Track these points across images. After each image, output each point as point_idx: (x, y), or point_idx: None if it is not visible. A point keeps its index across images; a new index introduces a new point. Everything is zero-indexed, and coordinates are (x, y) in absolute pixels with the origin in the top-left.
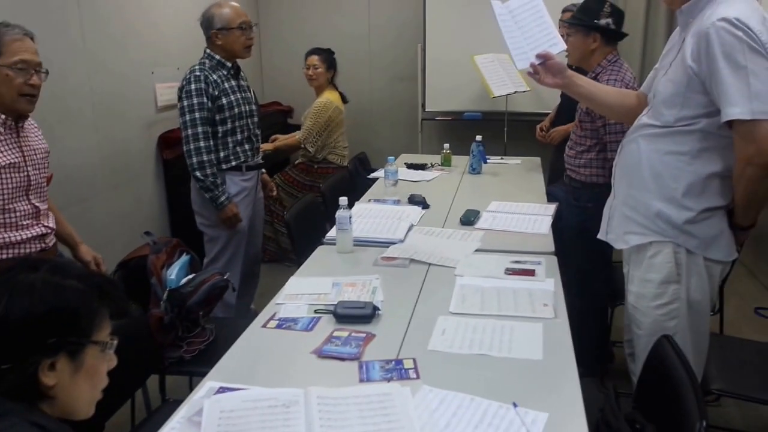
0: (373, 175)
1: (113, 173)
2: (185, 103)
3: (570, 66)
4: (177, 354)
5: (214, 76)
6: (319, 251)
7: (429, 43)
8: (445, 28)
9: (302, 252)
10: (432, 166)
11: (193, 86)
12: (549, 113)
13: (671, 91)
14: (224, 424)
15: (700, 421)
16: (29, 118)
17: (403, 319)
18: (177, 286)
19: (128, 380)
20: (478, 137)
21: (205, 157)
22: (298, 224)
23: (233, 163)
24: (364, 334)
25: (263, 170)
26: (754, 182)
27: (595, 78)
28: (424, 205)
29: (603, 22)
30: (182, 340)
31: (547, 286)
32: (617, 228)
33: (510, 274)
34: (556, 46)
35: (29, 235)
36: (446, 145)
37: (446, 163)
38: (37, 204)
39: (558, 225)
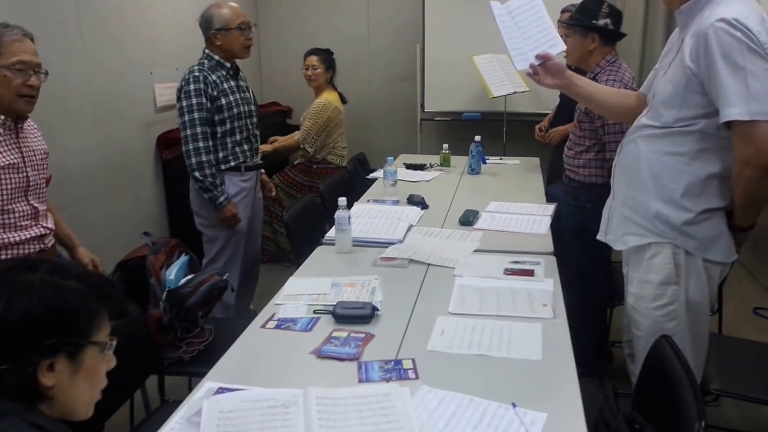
0: (372, 175)
1: (112, 173)
2: (184, 103)
3: (569, 66)
4: (176, 354)
5: (213, 77)
6: (318, 251)
7: (428, 43)
8: (444, 28)
9: (301, 252)
10: (431, 166)
11: (192, 86)
12: (548, 113)
13: (670, 91)
14: (223, 425)
15: (699, 421)
16: (29, 119)
17: (402, 319)
18: (176, 287)
19: (127, 381)
20: (477, 137)
21: (204, 158)
22: (297, 224)
23: (232, 164)
24: (363, 335)
25: (262, 171)
26: (753, 183)
27: (593, 78)
28: (423, 205)
29: (601, 22)
30: (181, 340)
31: (546, 287)
32: (616, 229)
33: (509, 274)
34: (556, 46)
35: (28, 236)
36: (445, 146)
37: (445, 163)
38: (36, 205)
39: (557, 225)
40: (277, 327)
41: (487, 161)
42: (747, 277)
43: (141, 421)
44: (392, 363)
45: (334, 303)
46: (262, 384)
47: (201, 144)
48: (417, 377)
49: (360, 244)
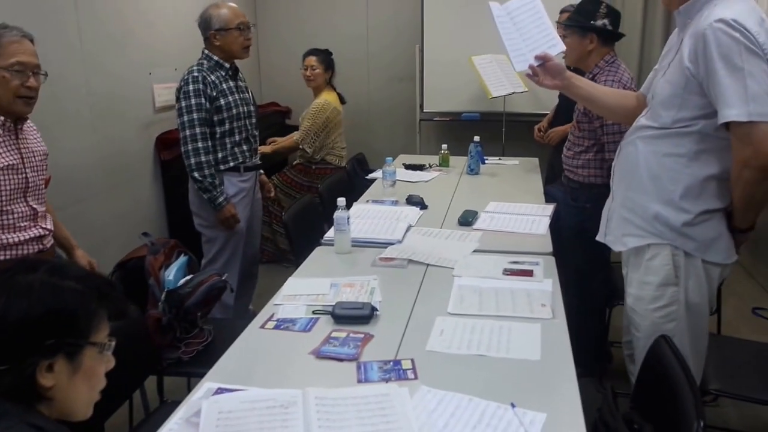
0: (371, 175)
1: (111, 174)
2: (183, 103)
3: (567, 67)
4: (175, 355)
5: (212, 77)
6: (317, 252)
7: (427, 43)
8: (443, 28)
9: (300, 253)
10: (430, 166)
11: (191, 87)
12: (547, 114)
13: (669, 92)
14: (222, 425)
15: (698, 421)
16: (28, 120)
17: (402, 319)
18: (175, 287)
19: (126, 381)
20: (476, 138)
21: (203, 158)
22: (296, 225)
23: (231, 164)
24: (363, 335)
25: (261, 171)
26: (752, 185)
27: (592, 79)
28: (422, 205)
29: (599, 23)
30: (180, 341)
31: (545, 287)
32: (615, 230)
33: (508, 274)
34: (555, 47)
35: (27, 237)
36: (444, 146)
37: (444, 163)
38: (34, 206)
39: (556, 225)
40: (276, 327)
41: (486, 161)
42: (746, 277)
43: (140, 422)
44: (391, 363)
45: (333, 303)
46: (261, 384)
47: (200, 144)
48: (416, 377)
49: (359, 244)
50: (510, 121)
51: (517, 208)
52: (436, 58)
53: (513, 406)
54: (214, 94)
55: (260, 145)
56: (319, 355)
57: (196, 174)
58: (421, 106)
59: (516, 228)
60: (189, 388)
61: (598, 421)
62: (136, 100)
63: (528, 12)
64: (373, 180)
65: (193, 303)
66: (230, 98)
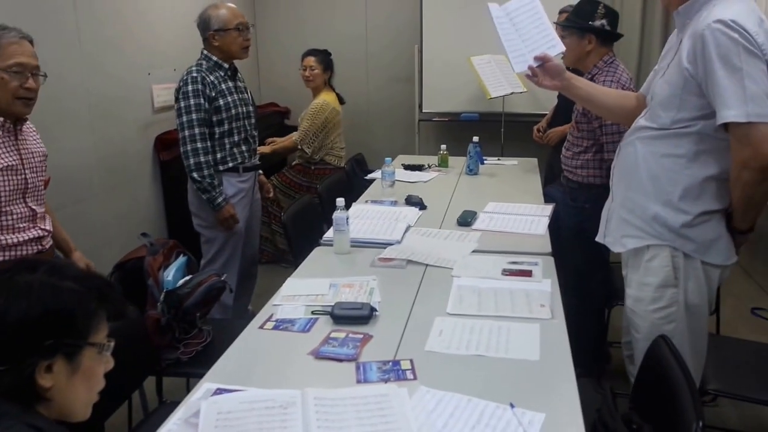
0: (370, 176)
1: (110, 174)
2: (182, 104)
3: (566, 68)
4: (174, 355)
5: (211, 78)
6: (317, 252)
7: (426, 44)
8: (442, 29)
9: (299, 253)
10: (429, 167)
11: (190, 87)
12: (546, 114)
13: (668, 93)
14: (221, 426)
15: (697, 421)
16: (28, 122)
17: (401, 320)
18: (174, 288)
19: (125, 382)
20: (475, 138)
21: (202, 159)
22: (296, 225)
23: (230, 165)
24: (362, 335)
25: (260, 171)
26: (751, 186)
27: (591, 79)
28: (421, 206)
29: (597, 23)
30: (179, 341)
31: (544, 287)
32: (615, 231)
33: (507, 274)
34: (555, 47)
35: (26, 238)
36: (443, 146)
37: (443, 164)
38: (34, 207)
39: (555, 226)
40: (276, 328)
41: (485, 162)
42: (745, 277)
43: (139, 422)
44: (390, 363)
45: (332, 304)
46: (261, 385)
47: (199, 145)
48: (415, 378)
49: (358, 244)
50: (509, 121)
51: (516, 208)
52: (435, 58)
53: (512, 406)
54: (213, 94)
55: (259, 145)
56: (318, 355)
57: (195, 174)
58: (420, 107)
59: (515, 228)
60: (188, 389)
61: (597, 422)
62: (135, 101)
63: (527, 13)
64: (372, 180)
65: (192, 303)
66: (229, 99)
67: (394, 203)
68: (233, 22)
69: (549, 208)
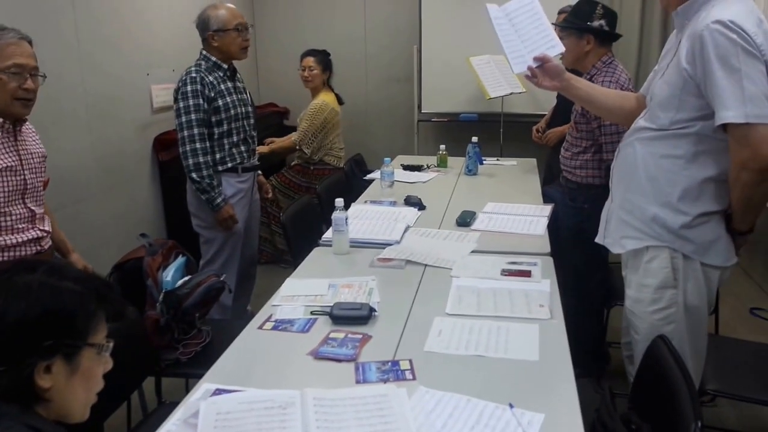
0: (369, 176)
1: (108, 175)
2: (181, 104)
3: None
4: (173, 356)
5: (210, 78)
6: (316, 252)
7: (425, 44)
8: (440, 29)
9: (298, 253)
10: (428, 167)
11: (189, 88)
12: (545, 114)
13: (667, 93)
14: (220, 426)
15: (695, 421)
16: (27, 122)
17: (400, 320)
18: (173, 288)
19: (124, 382)
20: (474, 138)
21: (201, 159)
22: (295, 226)
23: (229, 165)
24: (361, 336)
25: (259, 172)
26: (750, 187)
27: (589, 79)
28: (420, 206)
29: (596, 24)
30: (178, 342)
31: (543, 287)
32: (614, 232)
33: (506, 275)
34: (555, 48)
35: (25, 239)
36: (442, 147)
37: (442, 164)
38: (33, 208)
39: (554, 226)
40: (275, 328)
41: (484, 162)
42: (743, 277)
43: (138, 423)
44: (389, 364)
45: (332, 304)
46: (260, 385)
47: (198, 145)
48: (414, 378)
49: (357, 245)
50: (508, 121)
51: (515, 208)
52: (434, 58)
53: (511, 406)
54: (212, 95)
55: (258, 145)
56: (318, 355)
57: (194, 175)
58: (419, 107)
59: (514, 229)
60: (187, 389)
61: (596, 422)
62: (133, 101)
63: (527, 13)
64: (371, 181)
65: (191, 304)
66: (228, 99)
67: (393, 203)
68: (232, 23)
69: (548, 209)
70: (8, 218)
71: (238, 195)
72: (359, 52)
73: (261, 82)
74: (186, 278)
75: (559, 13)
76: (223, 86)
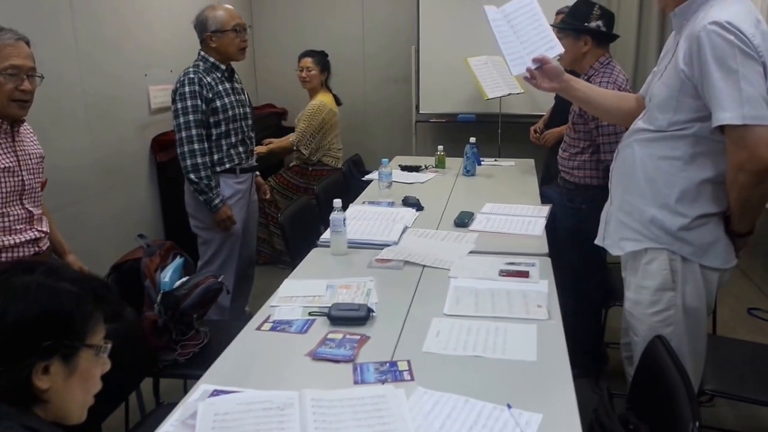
0: (367, 177)
1: (106, 175)
2: (179, 105)
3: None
4: (171, 357)
5: (209, 79)
6: (314, 253)
7: (423, 45)
8: (438, 30)
9: (297, 254)
10: (426, 168)
11: (187, 88)
12: (543, 115)
13: (665, 94)
14: (218, 427)
15: (693, 421)
16: (25, 123)
17: (398, 321)
18: (171, 289)
19: (122, 383)
20: (472, 139)
21: (199, 160)
22: (293, 226)
23: (227, 166)
24: (359, 336)
25: (257, 173)
26: (747, 189)
27: (587, 80)
28: (418, 207)
29: (593, 24)
30: (176, 343)
31: (541, 288)
32: (613, 234)
33: (504, 275)
34: (554, 49)
35: (23, 239)
36: (440, 147)
37: (440, 165)
38: (30, 209)
39: (552, 227)
40: (273, 329)
41: (482, 163)
42: (742, 277)
43: (136, 424)
44: (388, 365)
45: (330, 305)
46: (258, 386)
47: (196, 146)
48: (412, 379)
49: (355, 245)
50: (506, 122)
51: (513, 209)
52: (432, 59)
53: (509, 407)
54: (211, 95)
55: (256, 145)
56: (316, 356)
57: (192, 176)
58: (417, 108)
59: (512, 229)
60: (185, 390)
61: (594, 422)
62: (131, 102)
63: (526, 14)
64: (369, 181)
65: (189, 305)
66: (226, 100)
67: (391, 204)
68: (230, 24)
69: (546, 209)
70: (6, 219)
71: (236, 196)
72: (357, 53)
73: (259, 83)
74: (184, 279)
75: (557, 14)
76: (221, 87)
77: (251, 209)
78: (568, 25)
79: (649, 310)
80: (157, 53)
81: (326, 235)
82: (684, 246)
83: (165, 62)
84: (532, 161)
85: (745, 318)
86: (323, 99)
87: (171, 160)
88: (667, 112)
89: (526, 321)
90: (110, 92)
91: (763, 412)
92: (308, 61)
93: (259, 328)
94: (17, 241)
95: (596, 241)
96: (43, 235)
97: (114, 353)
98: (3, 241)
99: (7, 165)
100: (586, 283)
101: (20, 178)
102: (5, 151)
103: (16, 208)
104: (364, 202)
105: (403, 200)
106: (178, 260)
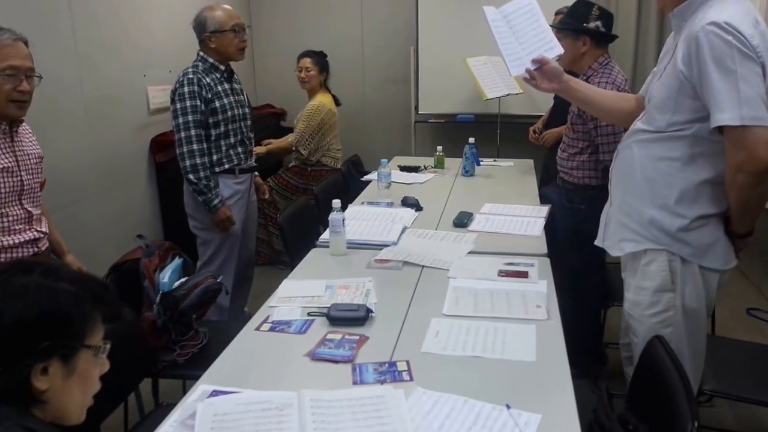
0: (366, 177)
1: (106, 176)
2: (178, 105)
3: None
4: (170, 357)
5: (208, 79)
6: (313, 254)
7: (422, 45)
8: (437, 30)
9: (296, 254)
10: (425, 168)
11: (186, 89)
12: (542, 115)
13: (664, 95)
14: (217, 428)
15: (692, 421)
16: (24, 123)
17: (397, 321)
18: (170, 290)
19: (121, 384)
20: (471, 139)
21: (198, 160)
22: (292, 227)
23: (226, 166)
24: (358, 337)
25: (256, 173)
26: (746, 190)
27: (586, 80)
28: (417, 207)
29: (592, 25)
30: (175, 343)
31: (540, 288)
32: (613, 235)
33: (503, 276)
34: (553, 50)
35: (22, 240)
36: (439, 148)
37: (439, 165)
38: (29, 209)
39: (551, 227)
40: (272, 329)
41: (481, 163)
42: (740, 277)
43: (135, 425)
44: (387, 365)
45: (329, 305)
46: (257, 386)
47: (195, 146)
48: (411, 379)
49: (354, 246)
50: (505, 122)
51: (512, 209)
52: (431, 60)
53: (508, 407)
54: (209, 96)
55: (255, 146)
56: (315, 357)
57: (191, 176)
58: (416, 108)
59: (511, 229)
60: (184, 391)
61: (593, 422)
62: (130, 102)
63: (525, 15)
64: (368, 182)
65: (188, 305)
66: (225, 100)
67: (390, 205)
68: (229, 24)
69: (545, 210)
70: (5, 219)
71: (235, 196)
72: (356, 53)
73: (258, 84)
74: (183, 280)
75: (556, 14)
76: (220, 87)
77: (250, 210)
78: (566, 25)
79: (648, 311)
80: (156, 54)
81: (325, 236)
82: (683, 247)
83: (164, 63)
84: (531, 161)
85: (743, 318)
86: (322, 99)
87: (170, 161)
88: (666, 113)
89: (525, 321)
90: (109, 93)
91: (762, 412)
92: (307, 62)
93: (258, 329)
94: (16, 241)
95: (596, 243)
96: (42, 235)
97: (113, 354)
98: (2, 241)
99: (5, 165)
100: (585, 283)
101: (19, 178)
102: (4, 151)
103: (15, 208)
104: (363, 203)
105: (402, 201)
106: (177, 261)
